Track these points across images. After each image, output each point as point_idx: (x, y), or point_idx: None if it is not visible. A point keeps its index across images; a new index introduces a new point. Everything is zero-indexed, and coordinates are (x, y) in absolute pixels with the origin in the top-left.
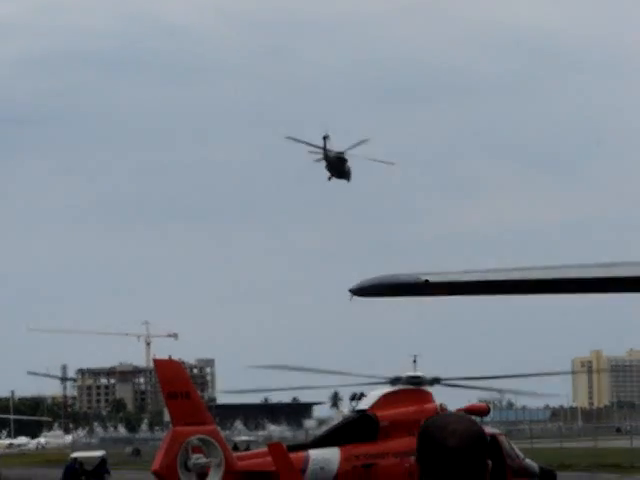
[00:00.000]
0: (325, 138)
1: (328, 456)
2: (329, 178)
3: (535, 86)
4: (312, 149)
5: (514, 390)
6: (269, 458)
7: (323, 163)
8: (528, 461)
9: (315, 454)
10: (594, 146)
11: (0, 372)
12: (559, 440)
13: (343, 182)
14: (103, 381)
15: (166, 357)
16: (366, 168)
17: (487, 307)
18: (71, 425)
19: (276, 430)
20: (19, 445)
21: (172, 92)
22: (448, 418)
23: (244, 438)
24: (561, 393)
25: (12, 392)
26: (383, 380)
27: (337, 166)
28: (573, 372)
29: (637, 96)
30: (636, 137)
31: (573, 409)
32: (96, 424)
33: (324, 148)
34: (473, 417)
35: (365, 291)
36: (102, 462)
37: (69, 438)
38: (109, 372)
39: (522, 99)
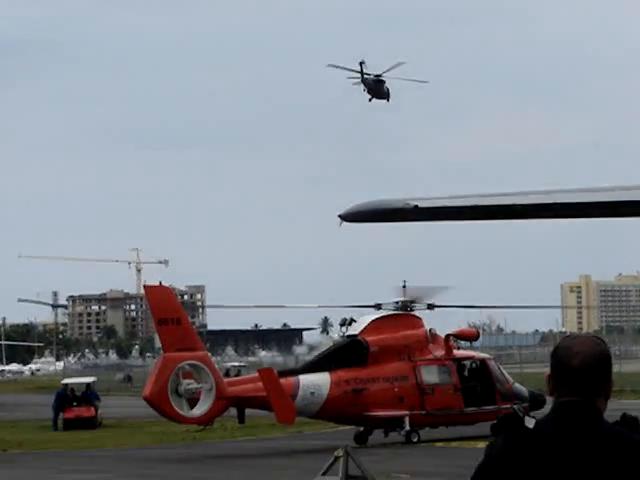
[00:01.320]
0: (362, 63)
1: (318, 381)
2: (369, 99)
3: (526, 10)
4: (351, 74)
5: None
6: (260, 383)
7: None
8: (517, 385)
9: (305, 379)
10: (582, 72)
11: None
12: (548, 365)
13: (383, 102)
14: (94, 308)
15: (157, 283)
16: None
17: (476, 233)
18: (62, 352)
19: (267, 356)
20: (10, 371)
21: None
22: (575, 340)
23: (235, 364)
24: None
25: (3, 319)
26: (372, 306)
27: (376, 88)
28: (562, 307)
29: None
30: (623, 63)
31: (563, 334)
32: (87, 351)
33: (362, 72)
34: (463, 342)
35: (354, 216)
36: (87, 387)
37: (60, 365)
38: (100, 299)
39: (510, 24)
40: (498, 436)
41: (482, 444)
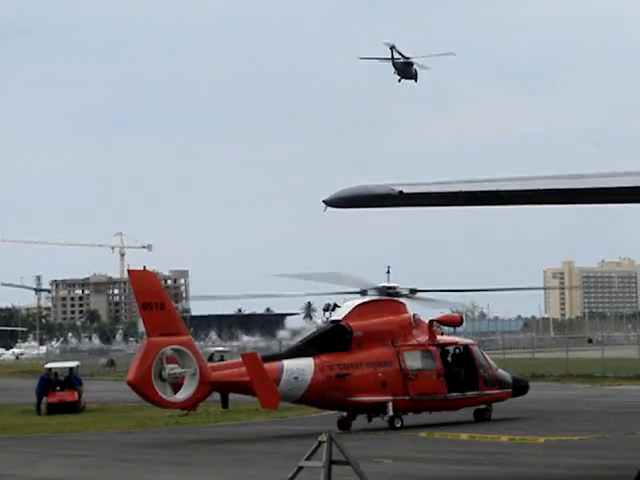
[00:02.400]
0: (392, 48)
1: (302, 366)
2: (399, 80)
3: None
4: (382, 61)
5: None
6: (243, 368)
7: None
8: (501, 371)
9: (289, 364)
10: (565, 59)
11: None
12: (531, 351)
13: (411, 82)
14: (77, 292)
15: (140, 268)
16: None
17: (460, 218)
18: (45, 336)
19: (250, 341)
20: None
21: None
22: None
23: (219, 348)
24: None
25: None
26: (356, 290)
27: (405, 70)
28: (544, 288)
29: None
30: (605, 49)
31: (545, 320)
32: (70, 335)
33: (392, 56)
34: (446, 327)
35: (339, 202)
36: (71, 371)
37: (43, 349)
38: (83, 283)
39: (493, 8)
40: None
41: (464, 435)
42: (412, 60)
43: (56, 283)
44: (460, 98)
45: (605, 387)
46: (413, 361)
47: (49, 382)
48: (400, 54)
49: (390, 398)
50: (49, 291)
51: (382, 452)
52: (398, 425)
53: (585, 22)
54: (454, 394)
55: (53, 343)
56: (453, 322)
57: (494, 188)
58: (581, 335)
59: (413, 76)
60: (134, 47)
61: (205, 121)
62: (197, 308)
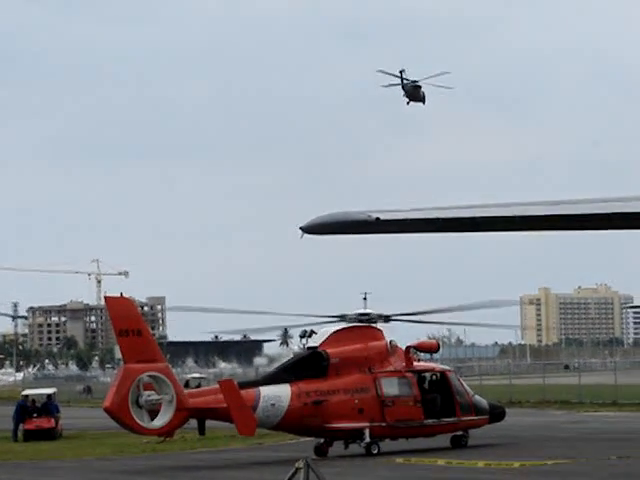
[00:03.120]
0: (402, 72)
1: (279, 393)
2: (407, 103)
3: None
4: (392, 80)
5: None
6: (220, 395)
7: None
8: (478, 397)
9: (266, 391)
10: (546, 84)
11: None
12: (508, 377)
13: (419, 105)
14: (54, 319)
15: (117, 295)
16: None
17: (436, 245)
18: (22, 363)
19: (227, 367)
20: None
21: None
22: None
23: (195, 375)
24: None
25: None
26: (333, 317)
27: (413, 93)
28: (522, 328)
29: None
30: (587, 71)
31: (522, 346)
32: (47, 361)
33: (402, 79)
34: (423, 354)
35: (316, 228)
36: (48, 398)
37: (20, 376)
38: (60, 310)
39: (475, 37)
40: None
41: (441, 460)
42: (420, 83)
43: (33, 310)
44: (438, 125)
45: (582, 413)
46: (390, 387)
47: (26, 409)
48: (407, 79)
49: (367, 424)
50: (26, 318)
51: (359, 479)
52: (375, 452)
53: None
54: (431, 420)
55: (30, 370)
56: (430, 348)
57: (471, 215)
58: (558, 361)
59: (421, 99)
60: (111, 73)
61: (181, 147)
62: (174, 334)
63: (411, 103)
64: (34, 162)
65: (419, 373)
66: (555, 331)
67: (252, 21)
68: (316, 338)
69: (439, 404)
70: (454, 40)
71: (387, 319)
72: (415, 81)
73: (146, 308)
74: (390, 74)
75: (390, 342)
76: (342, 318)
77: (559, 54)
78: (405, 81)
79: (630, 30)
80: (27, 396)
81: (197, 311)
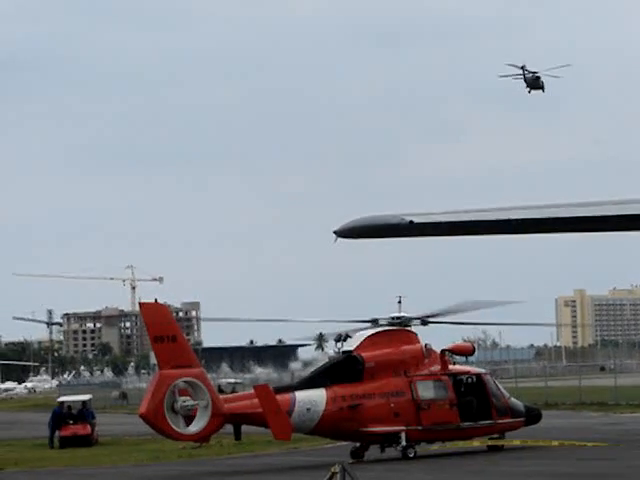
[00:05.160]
0: (523, 67)
1: (314, 397)
2: (529, 92)
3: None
4: (514, 74)
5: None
6: (256, 400)
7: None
8: (513, 400)
9: (301, 395)
10: (577, 85)
11: None
12: (544, 379)
13: (539, 92)
14: (89, 325)
15: (152, 301)
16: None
17: (472, 248)
18: (57, 369)
19: (262, 372)
20: (6, 390)
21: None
22: None
23: (230, 380)
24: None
25: None
26: (367, 321)
27: (534, 83)
28: (558, 325)
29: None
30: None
31: (557, 348)
32: (82, 368)
33: (523, 73)
34: (458, 357)
35: (349, 232)
36: (84, 404)
37: (56, 382)
38: (95, 316)
39: (505, 40)
40: None
41: (475, 462)
42: (539, 74)
43: (68, 316)
44: (472, 128)
45: (618, 415)
46: (425, 391)
47: (62, 415)
48: (528, 71)
49: (403, 428)
50: (61, 324)
51: None
52: (411, 455)
53: None
54: (467, 423)
55: (65, 376)
56: (465, 351)
57: (506, 217)
58: (593, 363)
59: (541, 87)
60: (143, 78)
61: (216, 153)
62: (209, 340)
63: (532, 92)
64: (68, 169)
65: (455, 376)
66: (590, 332)
67: (286, 21)
68: (351, 342)
69: (475, 407)
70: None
71: (425, 322)
72: (535, 72)
73: (181, 314)
74: (516, 66)
75: (425, 345)
76: (376, 322)
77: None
78: (527, 73)
79: None
80: (62, 403)
81: (230, 321)
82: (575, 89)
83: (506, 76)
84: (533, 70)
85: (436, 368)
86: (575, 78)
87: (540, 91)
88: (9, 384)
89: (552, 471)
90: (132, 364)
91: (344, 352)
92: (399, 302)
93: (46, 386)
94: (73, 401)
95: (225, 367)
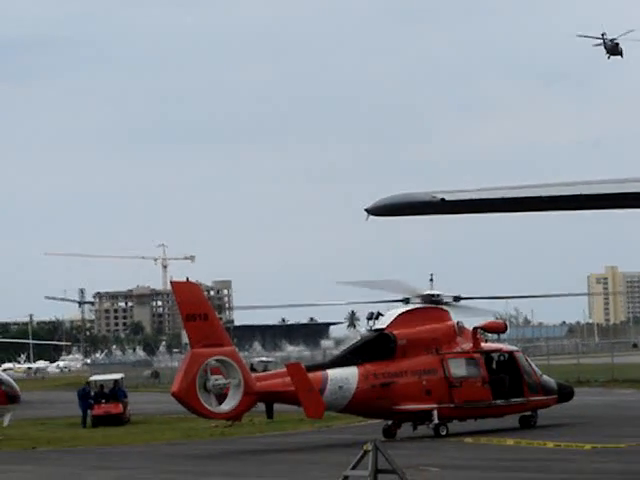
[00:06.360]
0: (603, 34)
1: (346, 375)
2: (608, 57)
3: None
4: (595, 42)
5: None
6: (288, 378)
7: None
8: (546, 377)
9: (333, 373)
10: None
11: (18, 297)
12: (576, 356)
13: (618, 57)
14: (121, 304)
15: (183, 279)
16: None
17: (502, 225)
18: (89, 348)
19: (294, 350)
20: (38, 369)
21: None
22: None
23: (263, 359)
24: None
25: (30, 316)
26: (399, 299)
27: (613, 49)
28: (588, 294)
29: None
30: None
31: (589, 325)
32: (114, 347)
33: (603, 40)
34: (490, 334)
35: (381, 210)
36: (116, 383)
37: (88, 361)
38: (126, 295)
39: (535, 16)
40: None
41: (510, 441)
42: (617, 41)
43: (99, 295)
44: (502, 106)
45: None
46: (457, 369)
47: (87, 395)
48: (607, 39)
49: (435, 406)
50: (92, 304)
51: (428, 460)
52: (443, 433)
53: None
54: (499, 401)
55: (97, 355)
56: (497, 329)
57: (537, 194)
58: (626, 340)
59: (619, 53)
60: (177, 58)
61: (246, 130)
62: (240, 318)
63: (611, 58)
64: (99, 148)
65: (487, 354)
66: (623, 309)
67: (322, 4)
68: (383, 320)
69: (507, 384)
70: None
71: (457, 299)
72: (614, 39)
73: (212, 292)
74: (591, 37)
75: (457, 323)
76: (408, 300)
77: None
78: (606, 40)
79: None
80: (89, 382)
81: (262, 308)
82: None
83: (585, 36)
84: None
85: (468, 346)
86: None
87: (619, 57)
88: (41, 363)
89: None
90: (164, 343)
91: (376, 330)
92: (431, 280)
93: (78, 365)
94: (105, 380)
95: (257, 345)
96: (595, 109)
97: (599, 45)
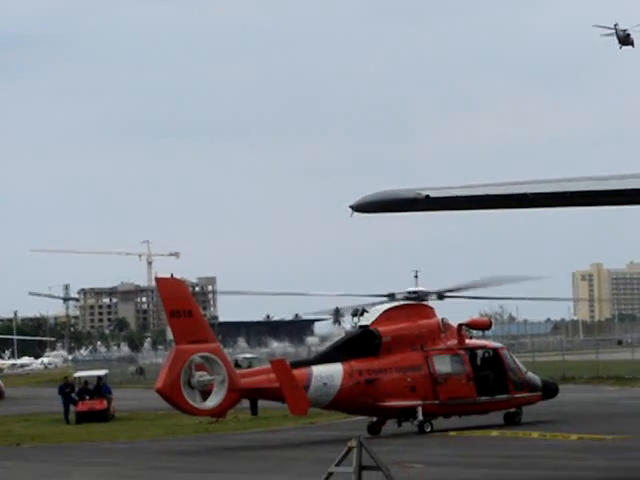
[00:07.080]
0: (615, 25)
1: (331, 372)
2: (620, 47)
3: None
4: (606, 32)
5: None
6: (272, 375)
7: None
8: (530, 374)
9: (318, 370)
10: (596, 57)
11: (2, 293)
12: (561, 353)
13: (629, 48)
14: (105, 300)
15: (168, 276)
16: None
17: (488, 222)
18: (74, 345)
19: (278, 347)
20: (22, 365)
21: None
22: None
23: (247, 355)
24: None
25: (15, 312)
26: (383, 296)
27: (625, 39)
28: (575, 299)
29: None
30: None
31: (574, 322)
32: (99, 343)
33: (616, 31)
34: (475, 331)
35: (366, 207)
36: (100, 380)
37: (71, 357)
38: (111, 292)
39: (522, 11)
40: None
41: (495, 433)
42: (629, 32)
43: (84, 292)
44: (486, 101)
45: (636, 389)
46: (442, 365)
47: (66, 391)
48: (619, 29)
49: (420, 403)
50: (77, 300)
51: (413, 457)
52: (428, 430)
53: None
54: (483, 398)
55: (81, 352)
56: (482, 326)
57: (521, 191)
58: (611, 337)
59: (631, 43)
60: (160, 53)
61: (228, 127)
62: (225, 315)
63: (623, 48)
64: (83, 144)
65: (471, 350)
66: (608, 306)
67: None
68: (368, 316)
69: (492, 381)
70: None
71: (441, 296)
72: (625, 30)
73: (197, 289)
74: (605, 27)
75: (442, 320)
76: (392, 296)
77: None
78: (619, 31)
79: None
80: (67, 377)
81: (247, 294)
82: None
83: (601, 27)
84: (623, 28)
85: (453, 342)
86: None
87: (630, 47)
88: (25, 359)
89: (563, 443)
90: (148, 339)
91: (361, 327)
92: (415, 277)
93: (62, 361)
94: (89, 376)
95: (242, 342)
96: (592, 107)
97: (609, 35)
